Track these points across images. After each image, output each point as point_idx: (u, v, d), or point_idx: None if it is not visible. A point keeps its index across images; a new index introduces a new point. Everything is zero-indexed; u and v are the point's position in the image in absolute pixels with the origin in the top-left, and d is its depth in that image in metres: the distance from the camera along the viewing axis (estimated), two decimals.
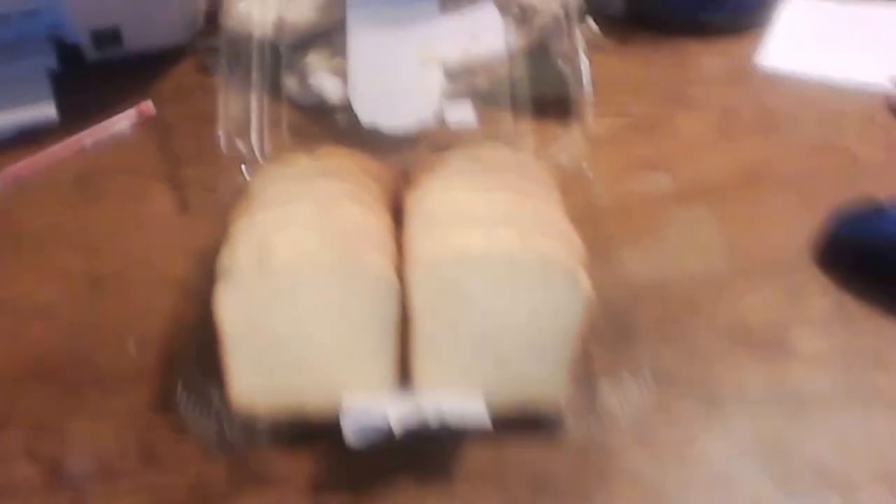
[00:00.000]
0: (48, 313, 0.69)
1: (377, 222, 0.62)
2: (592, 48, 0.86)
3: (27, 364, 0.66)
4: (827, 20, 0.98)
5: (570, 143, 0.78)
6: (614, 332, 0.64)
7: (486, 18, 0.85)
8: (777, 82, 0.90)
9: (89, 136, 0.82)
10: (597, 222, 0.71)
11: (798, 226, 0.73)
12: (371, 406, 0.56)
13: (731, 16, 0.96)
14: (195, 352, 0.62)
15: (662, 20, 0.96)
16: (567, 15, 0.84)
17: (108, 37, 0.87)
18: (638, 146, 0.82)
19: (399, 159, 0.75)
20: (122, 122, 0.84)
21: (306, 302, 0.58)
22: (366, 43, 0.82)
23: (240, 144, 0.75)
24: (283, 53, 0.83)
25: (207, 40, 0.87)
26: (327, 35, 0.85)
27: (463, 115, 0.80)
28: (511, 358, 0.59)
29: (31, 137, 0.83)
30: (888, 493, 0.58)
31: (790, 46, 0.93)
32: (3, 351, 0.67)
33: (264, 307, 0.58)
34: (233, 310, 0.58)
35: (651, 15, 0.96)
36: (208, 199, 0.75)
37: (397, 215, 0.65)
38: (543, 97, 0.81)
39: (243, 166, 0.75)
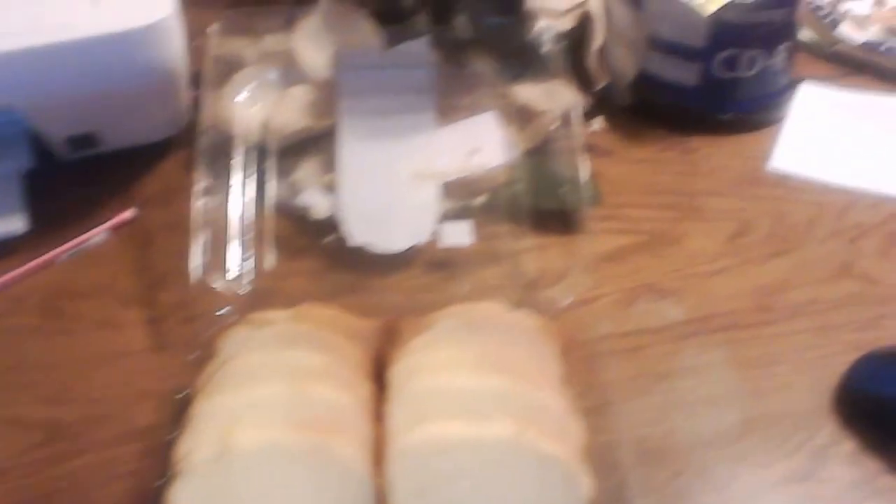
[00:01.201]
0: None
1: (353, 403, 0.57)
2: (596, 150, 0.81)
3: None
4: (842, 112, 0.94)
5: (573, 270, 0.72)
6: None
7: (485, 130, 0.80)
8: (792, 190, 0.85)
9: (61, 251, 0.77)
10: (600, 369, 0.67)
11: (817, 368, 0.69)
12: None
13: (745, 111, 0.91)
14: None
15: (671, 115, 0.91)
16: (570, 119, 0.79)
17: (84, 141, 0.81)
18: (645, 266, 0.77)
19: (389, 286, 0.72)
20: (97, 233, 0.78)
21: (272, 491, 0.53)
22: (357, 156, 0.78)
23: (215, 276, 0.70)
24: (270, 161, 0.78)
25: (193, 137, 0.82)
26: (318, 142, 0.80)
27: (460, 235, 0.75)
28: None
29: None
30: None
31: (805, 147, 0.89)
32: None
33: (224, 498, 0.53)
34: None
35: (659, 108, 0.92)
36: (184, 333, 0.70)
37: (380, 381, 0.60)
38: (545, 210, 0.77)
39: (220, 299, 0.70)
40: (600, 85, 0.90)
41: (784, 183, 0.86)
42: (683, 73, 0.89)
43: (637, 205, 0.83)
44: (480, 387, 0.57)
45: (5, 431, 0.66)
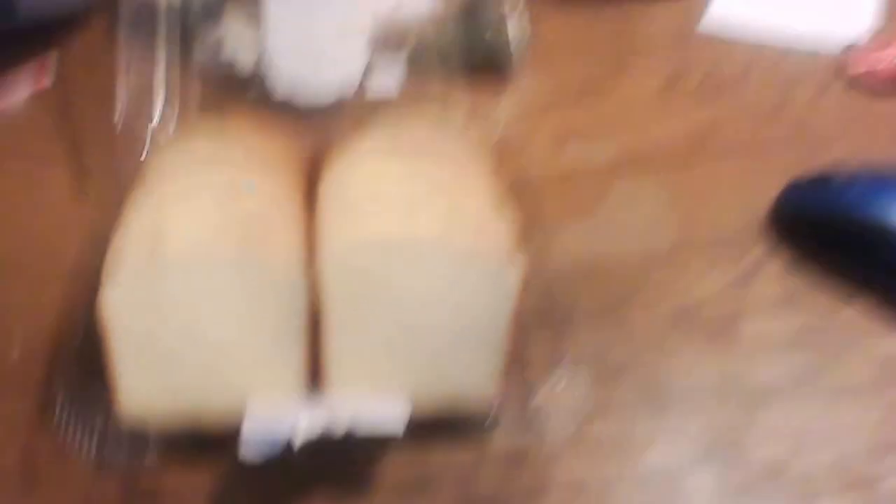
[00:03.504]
0: None
1: (285, 207, 0.57)
2: (529, 6, 0.81)
3: None
4: None
5: (503, 111, 0.72)
6: (550, 320, 0.59)
7: None
8: (725, 45, 0.85)
9: None
10: (532, 197, 0.67)
11: (747, 198, 0.68)
12: (276, 414, 0.50)
13: None
14: (79, 355, 0.56)
15: None
16: None
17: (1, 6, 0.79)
18: (576, 114, 0.77)
19: (318, 133, 0.69)
20: (17, 96, 0.77)
21: (203, 296, 0.53)
22: (282, 8, 0.76)
23: (142, 125, 0.69)
24: (194, 19, 0.76)
25: (113, 8, 0.80)
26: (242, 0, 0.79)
27: (389, 83, 0.74)
28: (435, 355, 0.53)
29: None
30: (852, 498, 0.53)
31: (737, 7, 0.89)
32: None
33: (155, 303, 0.52)
34: (120, 307, 0.52)
35: None
36: (108, 183, 0.68)
37: (310, 196, 0.59)
38: (475, 61, 0.76)
39: (146, 147, 0.68)
40: None
41: (715, 42, 0.86)
42: None
43: (568, 60, 0.83)
44: (409, 190, 0.56)
45: None
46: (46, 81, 0.79)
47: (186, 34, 0.76)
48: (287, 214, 0.57)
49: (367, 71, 0.75)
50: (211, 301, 0.52)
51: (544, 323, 0.59)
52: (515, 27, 0.76)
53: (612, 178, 0.71)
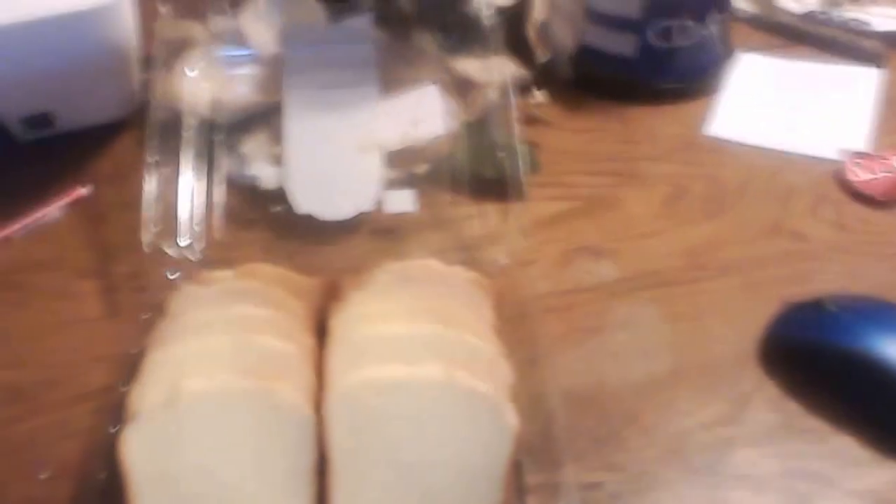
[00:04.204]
0: None
1: (296, 352, 0.60)
2: (538, 121, 0.84)
3: None
4: (778, 80, 0.97)
5: (512, 228, 0.75)
6: (547, 451, 0.62)
7: (427, 101, 0.83)
8: (726, 154, 0.88)
9: (17, 227, 0.79)
10: (533, 324, 0.70)
11: (744, 320, 0.71)
12: None
13: (682, 81, 0.94)
14: (103, 485, 0.59)
15: (611, 86, 0.94)
16: (508, 91, 0.82)
17: (39, 120, 0.84)
18: (582, 230, 0.80)
19: (335, 253, 0.73)
20: (55, 206, 0.81)
21: (217, 442, 0.56)
22: (302, 128, 0.80)
23: (168, 238, 0.73)
24: (219, 136, 0.81)
25: (145, 117, 0.84)
26: (266, 117, 0.83)
27: (403, 202, 0.78)
28: (435, 494, 0.56)
29: None
30: None
31: (740, 114, 0.92)
32: None
33: (172, 444, 0.56)
34: (139, 454, 0.55)
35: (600, 80, 0.94)
36: (138, 299, 0.72)
37: (322, 335, 0.63)
38: (484, 178, 0.80)
39: (172, 265, 0.72)
40: (542, 58, 0.92)
41: (719, 148, 0.89)
42: (621, 45, 0.92)
43: (576, 172, 0.86)
44: (413, 333, 0.60)
45: None
46: (83, 191, 0.82)
47: (212, 149, 0.80)
48: (299, 352, 0.61)
49: (384, 188, 0.78)
50: (224, 444, 0.56)
51: (542, 454, 0.62)
52: (523, 145, 0.79)
53: (612, 298, 0.74)
